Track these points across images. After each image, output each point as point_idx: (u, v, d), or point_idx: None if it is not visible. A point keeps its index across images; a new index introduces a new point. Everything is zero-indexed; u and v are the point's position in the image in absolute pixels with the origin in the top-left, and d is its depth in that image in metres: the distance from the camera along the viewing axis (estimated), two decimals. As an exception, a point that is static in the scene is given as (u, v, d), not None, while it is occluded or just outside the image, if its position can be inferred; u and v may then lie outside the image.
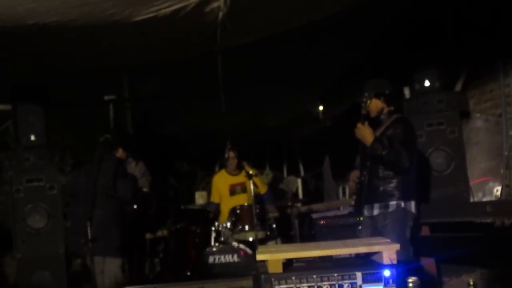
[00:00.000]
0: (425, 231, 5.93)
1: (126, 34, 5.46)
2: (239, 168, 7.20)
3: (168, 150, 9.70)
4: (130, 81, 8.01)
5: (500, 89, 6.54)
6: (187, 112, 8.94)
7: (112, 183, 5.82)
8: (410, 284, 3.31)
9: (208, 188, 8.08)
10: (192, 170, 10.72)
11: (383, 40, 7.01)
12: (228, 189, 7.34)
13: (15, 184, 5.91)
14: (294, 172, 11.56)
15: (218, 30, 5.46)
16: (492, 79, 6.65)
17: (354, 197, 5.24)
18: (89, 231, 5.40)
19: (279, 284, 3.28)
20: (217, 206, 7.42)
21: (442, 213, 5.83)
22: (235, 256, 6.43)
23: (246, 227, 6.67)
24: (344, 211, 7.67)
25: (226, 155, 7.39)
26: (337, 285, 3.27)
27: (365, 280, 3.27)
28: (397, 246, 3.42)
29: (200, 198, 8.33)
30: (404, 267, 3.37)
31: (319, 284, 3.27)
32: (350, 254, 3.74)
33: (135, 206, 6.42)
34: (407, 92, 6.47)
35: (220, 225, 6.76)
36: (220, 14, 5.16)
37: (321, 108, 9.99)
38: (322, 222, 6.84)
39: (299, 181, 10.66)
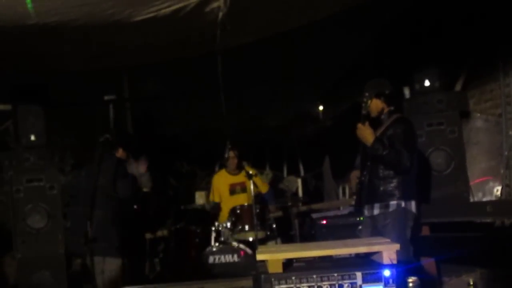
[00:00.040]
0: (425, 231, 5.93)
1: (126, 34, 5.46)
2: (239, 168, 7.20)
3: (168, 150, 9.70)
4: (130, 81, 8.01)
5: (500, 89, 6.54)
6: (187, 112, 8.94)
7: (112, 183, 5.82)
8: (410, 284, 3.31)
9: (208, 188, 8.09)
10: (192, 170, 10.73)
11: (383, 40, 7.01)
12: (228, 188, 7.35)
13: (15, 184, 5.91)
14: (294, 172, 11.56)
15: (218, 30, 5.45)
16: (492, 79, 6.64)
17: (354, 197, 5.24)
18: (89, 231, 5.41)
19: (279, 284, 3.28)
20: (217, 205, 7.43)
21: (442, 213, 5.82)
22: (235, 256, 6.43)
23: (246, 227, 6.68)
24: (344, 211, 7.67)
25: (226, 155, 7.40)
26: (337, 285, 3.27)
27: (365, 280, 3.27)
28: (397, 246, 3.42)
29: (200, 198, 8.34)
30: (404, 267, 3.37)
31: (319, 284, 3.27)
32: (350, 254, 3.74)
33: (135, 206, 6.42)
34: (407, 92, 6.48)
35: (220, 225, 6.76)
36: (220, 14, 5.16)
37: (321, 108, 9.99)
38: (322, 222, 6.85)
39: (299, 181, 10.66)
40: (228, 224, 6.71)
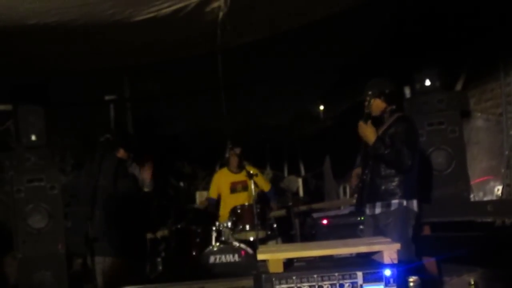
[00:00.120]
0: (426, 230, 5.93)
1: (126, 34, 5.46)
2: (241, 167, 7.20)
3: (168, 150, 9.70)
4: (131, 81, 8.00)
5: (500, 88, 6.55)
6: (187, 112, 8.94)
7: (112, 183, 5.82)
8: (411, 284, 3.31)
9: (209, 188, 8.08)
10: (192, 170, 10.73)
11: (383, 40, 7.01)
12: (229, 187, 7.35)
13: (16, 184, 5.91)
14: (294, 171, 11.57)
15: (218, 30, 5.46)
16: (493, 78, 6.65)
17: (356, 195, 5.24)
18: (89, 231, 5.41)
19: (280, 283, 3.28)
20: (215, 202, 7.43)
21: (443, 213, 5.82)
22: (236, 255, 6.43)
23: (247, 227, 6.67)
24: (344, 210, 7.67)
25: (227, 155, 7.41)
26: (338, 285, 3.27)
27: (366, 280, 3.28)
28: (397, 246, 3.43)
29: (201, 198, 8.34)
30: (405, 266, 3.37)
31: (319, 283, 3.27)
32: (351, 254, 3.75)
33: (136, 206, 6.41)
34: (407, 91, 6.48)
35: (221, 225, 6.76)
36: (221, 14, 5.17)
37: (321, 107, 9.99)
38: (322, 222, 6.84)
39: (300, 180, 10.66)
40: (229, 224, 6.71)
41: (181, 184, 9.99)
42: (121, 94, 8.09)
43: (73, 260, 6.68)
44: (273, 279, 3.28)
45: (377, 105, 4.95)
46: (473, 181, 6.40)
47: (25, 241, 5.86)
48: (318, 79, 8.43)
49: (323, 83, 8.82)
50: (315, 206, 8.45)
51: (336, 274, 3.28)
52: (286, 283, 3.27)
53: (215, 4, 5.02)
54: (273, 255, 3.40)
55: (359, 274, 3.28)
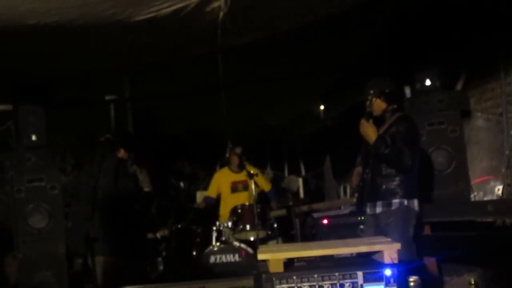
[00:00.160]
0: (426, 230, 5.93)
1: (126, 34, 5.46)
2: (242, 166, 7.20)
3: (169, 150, 9.70)
4: (131, 81, 8.01)
5: (501, 88, 6.54)
6: (188, 112, 8.95)
7: (113, 183, 5.83)
8: (411, 283, 3.30)
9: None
10: (193, 170, 10.73)
11: (384, 40, 7.01)
12: (230, 186, 7.35)
13: (16, 184, 5.91)
14: (295, 171, 11.57)
15: (218, 30, 5.46)
16: (493, 78, 6.65)
17: (356, 195, 5.23)
18: (90, 231, 5.42)
19: (280, 283, 3.28)
20: (214, 202, 7.43)
21: (443, 213, 5.82)
22: (236, 255, 6.43)
23: (247, 227, 6.68)
24: (345, 210, 7.67)
25: (227, 155, 7.41)
26: (338, 285, 3.27)
27: (366, 280, 3.28)
28: (398, 246, 3.43)
29: (201, 198, 8.34)
30: (405, 266, 3.37)
31: (320, 283, 3.27)
32: (351, 254, 3.74)
33: (136, 206, 6.42)
34: (408, 91, 6.47)
35: (221, 225, 6.76)
36: (221, 13, 5.16)
37: (322, 107, 9.99)
38: (323, 222, 6.84)
39: (300, 180, 10.66)
40: (229, 224, 6.71)
41: (181, 184, 9.99)
42: (121, 94, 8.09)
43: (74, 260, 6.67)
44: (274, 279, 3.28)
45: (377, 105, 4.95)
46: (474, 181, 6.40)
47: (26, 241, 5.85)
48: (318, 79, 8.43)
49: (323, 83, 8.82)
50: (315, 206, 8.45)
51: (337, 274, 3.28)
52: (287, 283, 3.27)
53: (215, 4, 5.02)
54: (274, 255, 3.40)
55: (360, 274, 3.28)
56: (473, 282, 3.78)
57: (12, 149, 6.50)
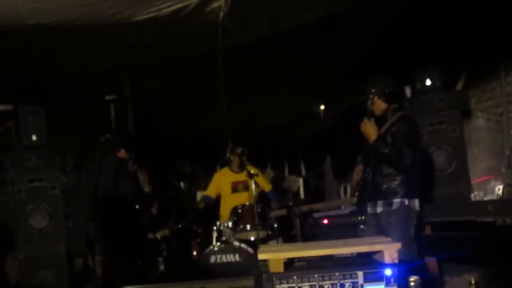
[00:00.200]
0: (426, 230, 5.93)
1: (127, 34, 5.46)
2: (242, 167, 7.20)
3: (169, 150, 9.70)
4: (131, 81, 8.01)
5: (501, 88, 6.54)
6: (188, 112, 8.95)
7: (113, 183, 5.82)
8: (412, 283, 3.30)
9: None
10: (193, 170, 10.73)
11: (384, 39, 7.01)
12: (230, 186, 7.35)
13: (16, 184, 5.91)
14: (295, 171, 11.56)
15: (219, 30, 5.46)
16: (493, 78, 6.64)
17: (357, 194, 5.23)
18: (90, 231, 5.41)
19: (281, 283, 3.28)
20: (213, 202, 7.42)
21: (443, 212, 5.82)
22: (237, 255, 6.43)
23: (248, 227, 6.67)
24: (345, 210, 7.67)
25: (227, 155, 7.41)
26: (338, 285, 3.27)
27: (366, 279, 3.28)
28: (398, 245, 3.43)
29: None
30: (406, 266, 3.37)
31: (320, 283, 3.27)
32: (352, 253, 3.74)
33: (136, 206, 6.42)
34: (408, 91, 6.48)
35: (222, 225, 6.76)
36: (221, 14, 5.17)
37: (322, 107, 9.99)
38: (323, 222, 6.84)
39: (301, 180, 10.65)
40: (230, 224, 6.71)
41: (182, 184, 9.99)
42: (121, 94, 8.09)
43: (74, 260, 6.67)
44: (274, 278, 3.28)
45: (378, 105, 4.95)
46: (474, 181, 6.40)
47: (26, 241, 5.86)
48: (318, 79, 8.43)
49: (323, 83, 8.82)
50: (315, 206, 8.45)
51: (337, 273, 3.28)
52: (287, 282, 3.27)
53: (216, 4, 5.02)
54: (274, 255, 3.40)
55: (360, 273, 3.28)
56: (473, 282, 3.79)
57: (13, 149, 6.50)
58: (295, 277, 3.28)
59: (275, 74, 7.83)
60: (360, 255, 3.66)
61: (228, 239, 6.67)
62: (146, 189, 6.63)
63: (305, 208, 8.18)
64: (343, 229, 6.57)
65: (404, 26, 6.46)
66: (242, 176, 7.24)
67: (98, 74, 6.76)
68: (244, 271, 5.84)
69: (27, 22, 4.75)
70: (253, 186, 6.71)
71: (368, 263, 3.45)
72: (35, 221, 5.87)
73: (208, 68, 6.75)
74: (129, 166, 6.22)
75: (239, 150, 7.22)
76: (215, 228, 6.75)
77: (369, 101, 4.90)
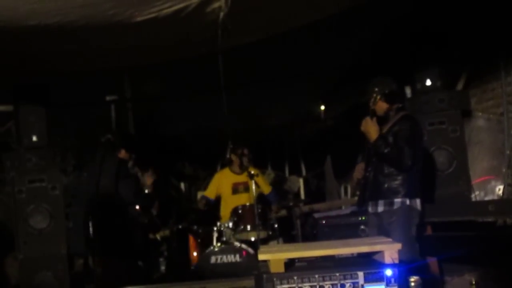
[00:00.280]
0: (427, 230, 5.93)
1: (127, 34, 5.46)
2: (243, 168, 7.20)
3: (169, 150, 9.70)
4: (132, 82, 8.01)
5: (501, 88, 6.54)
6: (188, 112, 8.95)
7: (114, 183, 5.82)
8: (412, 284, 3.31)
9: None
10: (194, 170, 10.73)
11: (384, 40, 7.01)
12: (231, 187, 7.35)
13: (17, 185, 5.92)
14: (296, 172, 11.56)
15: (219, 30, 5.46)
16: (494, 78, 6.64)
17: (358, 192, 5.23)
18: (91, 231, 5.41)
19: (281, 283, 3.28)
20: (212, 201, 7.42)
21: (444, 212, 5.82)
22: (237, 256, 6.43)
23: (248, 227, 6.68)
24: (346, 210, 7.67)
25: (228, 155, 7.40)
26: (339, 285, 3.27)
27: (367, 280, 3.28)
28: (398, 246, 3.43)
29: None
30: (406, 266, 3.37)
31: (321, 283, 3.27)
32: (352, 254, 3.75)
33: (137, 207, 6.42)
34: (408, 91, 6.48)
35: (222, 225, 6.76)
36: (221, 14, 5.16)
37: (322, 107, 9.99)
38: (324, 222, 6.84)
39: (301, 180, 10.66)
40: (230, 224, 6.71)
41: (182, 184, 9.99)
42: (122, 94, 8.11)
43: (75, 260, 6.68)
44: (274, 279, 3.28)
45: (380, 105, 4.96)
46: (474, 181, 6.40)
47: (26, 242, 5.86)
48: (319, 79, 8.43)
49: (324, 83, 8.82)
50: (316, 206, 8.44)
51: (337, 274, 3.28)
52: (287, 283, 3.28)
53: (216, 5, 5.02)
54: (274, 255, 3.40)
55: (360, 274, 3.28)
56: (474, 282, 3.79)
57: (13, 149, 6.51)
58: (295, 278, 3.28)
59: (275, 74, 7.83)
60: (361, 255, 3.66)
61: (229, 239, 6.67)
62: (147, 190, 6.63)
63: (305, 208, 8.18)
64: (344, 230, 6.57)
65: (404, 26, 6.47)
66: (243, 177, 7.24)
67: (99, 75, 6.76)
68: (245, 272, 5.85)
69: (28, 23, 4.75)
70: (253, 187, 6.71)
71: (369, 263, 3.45)
72: (36, 222, 5.87)
73: (208, 69, 6.75)
74: (129, 166, 6.23)
75: (239, 151, 7.22)
76: (215, 228, 6.75)
77: (371, 101, 4.90)
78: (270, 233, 6.81)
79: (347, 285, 3.26)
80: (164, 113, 8.99)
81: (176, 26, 5.40)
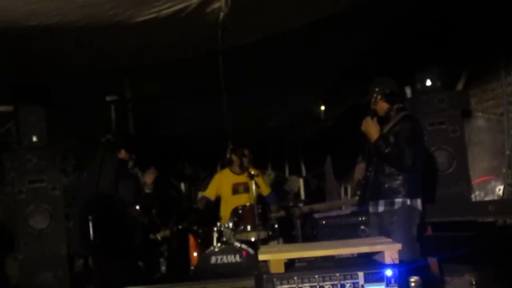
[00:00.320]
0: (427, 230, 5.93)
1: (127, 34, 5.46)
2: (243, 168, 7.20)
3: (170, 151, 9.70)
4: (132, 82, 8.01)
5: (501, 88, 6.54)
6: (188, 112, 8.95)
7: (114, 184, 5.82)
8: (412, 284, 3.31)
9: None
10: (194, 170, 10.73)
11: (384, 40, 7.01)
12: (231, 188, 7.35)
13: (17, 185, 5.91)
14: (296, 172, 11.57)
15: (219, 31, 5.46)
16: (494, 78, 6.64)
17: (358, 192, 5.23)
18: (91, 232, 5.41)
19: (281, 284, 3.28)
20: (213, 203, 7.42)
21: (444, 213, 5.82)
22: (237, 256, 6.43)
23: (248, 227, 6.68)
24: (346, 210, 7.67)
25: (228, 156, 7.40)
26: (339, 285, 3.27)
27: (367, 280, 3.28)
28: (399, 246, 3.43)
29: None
30: (406, 266, 3.37)
31: (321, 284, 3.27)
32: (352, 254, 3.75)
33: (137, 207, 6.42)
34: (408, 91, 6.47)
35: (222, 225, 6.76)
36: (221, 14, 5.16)
37: (322, 108, 9.99)
38: (324, 222, 6.84)
39: (301, 181, 10.67)
40: (230, 225, 6.72)
41: (182, 185, 10.00)
42: (122, 94, 8.10)
43: (75, 261, 6.68)
44: (274, 279, 3.28)
45: (381, 105, 4.96)
46: (474, 181, 6.40)
47: (27, 242, 5.86)
48: (319, 79, 8.43)
49: (324, 84, 8.82)
50: (316, 206, 8.45)
51: (337, 274, 3.28)
52: (288, 283, 3.28)
53: (216, 5, 5.02)
54: (274, 256, 3.40)
55: (360, 274, 3.28)
56: (474, 282, 3.79)
57: (13, 150, 6.50)
58: (295, 278, 3.28)
59: (275, 74, 7.83)
60: (361, 255, 3.67)
61: (229, 239, 6.67)
62: (147, 190, 6.64)
63: (305, 208, 8.18)
64: (344, 230, 6.57)
65: (404, 26, 6.47)
66: (243, 178, 7.24)
67: (99, 75, 6.76)
68: (245, 272, 5.85)
69: (28, 24, 4.75)
70: (254, 187, 6.72)
71: (369, 263, 3.46)
72: (36, 222, 5.87)
73: (208, 69, 6.74)
74: (129, 167, 6.23)
75: (240, 151, 7.22)
76: (215, 229, 6.75)
77: (372, 101, 4.90)
78: (270, 233, 6.81)
79: (347, 285, 3.26)
80: (164, 113, 8.99)
81: (176, 27, 5.40)
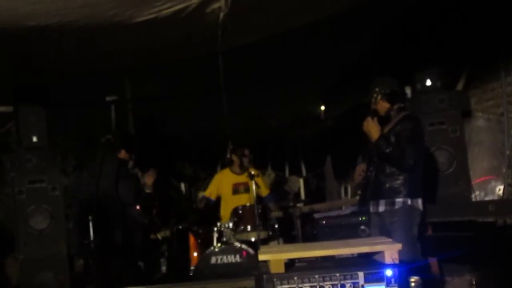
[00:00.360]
0: (428, 230, 5.93)
1: (127, 35, 5.46)
2: (243, 168, 7.20)
3: (170, 151, 9.70)
4: (132, 82, 8.01)
5: (501, 88, 6.54)
6: (188, 113, 8.95)
7: (114, 184, 5.83)
8: (412, 284, 3.31)
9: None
10: (194, 171, 10.73)
11: (384, 40, 7.01)
12: (231, 188, 7.35)
13: (17, 186, 5.92)
14: (296, 172, 11.56)
15: (219, 31, 5.46)
16: (494, 78, 6.64)
17: (359, 192, 5.23)
18: (91, 232, 5.42)
19: (281, 284, 3.28)
20: (213, 203, 7.41)
21: (444, 213, 5.82)
22: (237, 256, 6.43)
23: (248, 227, 6.68)
24: (346, 210, 7.67)
25: (228, 156, 7.40)
26: (339, 285, 3.27)
27: (367, 280, 3.28)
28: (399, 246, 3.43)
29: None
30: (406, 266, 3.37)
31: (321, 284, 3.27)
32: (352, 254, 3.75)
33: (137, 207, 6.43)
34: (408, 91, 6.47)
35: (222, 226, 6.76)
36: (221, 14, 5.16)
37: (322, 108, 9.99)
38: (324, 222, 6.84)
39: (301, 181, 10.66)
40: (230, 225, 6.72)
41: (182, 185, 10.00)
42: (122, 95, 8.10)
43: (75, 261, 6.68)
44: (275, 279, 3.28)
45: (381, 104, 4.96)
46: (475, 181, 6.40)
47: (27, 243, 5.86)
48: (319, 79, 8.43)
49: (324, 84, 8.82)
50: (316, 206, 8.45)
51: (338, 274, 3.28)
52: (288, 283, 3.28)
53: (216, 5, 5.02)
54: (275, 256, 3.40)
55: (361, 274, 3.29)
56: (474, 282, 3.79)
57: (13, 150, 6.50)
58: (295, 278, 3.28)
59: (275, 74, 7.83)
60: (361, 255, 3.67)
61: (229, 240, 6.67)
62: (147, 190, 6.64)
63: (305, 208, 8.18)
64: (344, 230, 6.57)
65: (404, 26, 6.47)
66: (243, 178, 7.24)
67: (99, 75, 6.76)
68: (245, 272, 5.85)
69: (28, 24, 4.75)
70: (254, 187, 6.72)
71: (369, 263, 3.46)
72: (36, 222, 5.87)
73: (208, 69, 6.74)
74: (130, 167, 6.23)
75: (240, 151, 7.22)
76: (215, 229, 6.75)
77: (373, 101, 4.91)
78: (270, 233, 6.81)
79: (347, 285, 3.26)
80: (164, 113, 8.99)
81: (176, 27, 5.40)
